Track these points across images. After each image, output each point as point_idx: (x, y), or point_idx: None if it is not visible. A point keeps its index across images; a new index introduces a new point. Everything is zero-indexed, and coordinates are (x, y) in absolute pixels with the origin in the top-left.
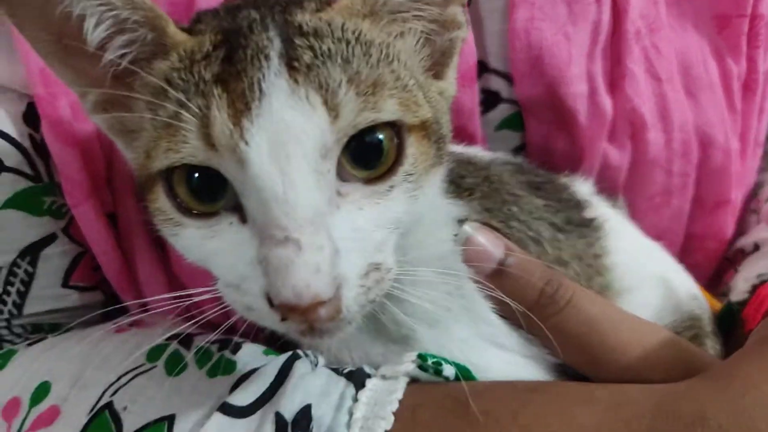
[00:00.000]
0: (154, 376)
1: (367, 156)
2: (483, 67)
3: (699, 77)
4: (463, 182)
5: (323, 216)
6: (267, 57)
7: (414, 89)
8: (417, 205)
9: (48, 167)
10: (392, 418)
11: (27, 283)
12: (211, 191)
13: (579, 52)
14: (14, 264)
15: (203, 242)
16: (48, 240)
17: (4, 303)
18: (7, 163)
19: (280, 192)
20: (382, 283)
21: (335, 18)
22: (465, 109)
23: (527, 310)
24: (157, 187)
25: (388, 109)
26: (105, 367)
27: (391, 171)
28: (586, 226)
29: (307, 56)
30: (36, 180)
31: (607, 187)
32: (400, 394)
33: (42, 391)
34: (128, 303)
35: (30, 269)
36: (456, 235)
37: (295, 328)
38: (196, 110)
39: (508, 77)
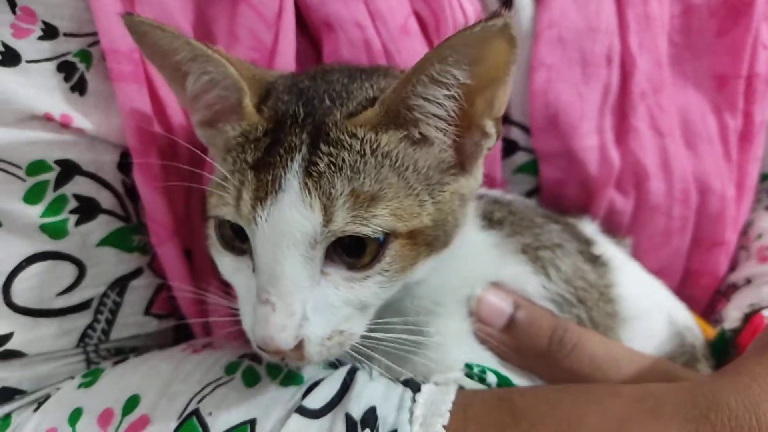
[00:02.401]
0: (234, 386)
1: (352, 249)
2: (505, 119)
3: (698, 132)
4: (493, 216)
5: (302, 289)
6: (292, 159)
7: (418, 196)
8: (390, 290)
9: (136, 209)
10: (448, 414)
11: (114, 312)
12: (243, 237)
13: (591, 109)
14: (104, 295)
15: (232, 271)
16: (135, 273)
17: (94, 330)
18: (104, 205)
19: (270, 266)
20: (343, 345)
21: (359, 129)
22: (489, 155)
23: (540, 357)
24: (210, 220)
25: (376, 223)
26: (189, 380)
27: (368, 265)
28: (594, 261)
29: (322, 164)
30: (127, 221)
31: (612, 228)
32: (452, 396)
33: (132, 402)
34: (192, 320)
35: (118, 299)
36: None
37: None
38: (236, 184)
39: (526, 129)
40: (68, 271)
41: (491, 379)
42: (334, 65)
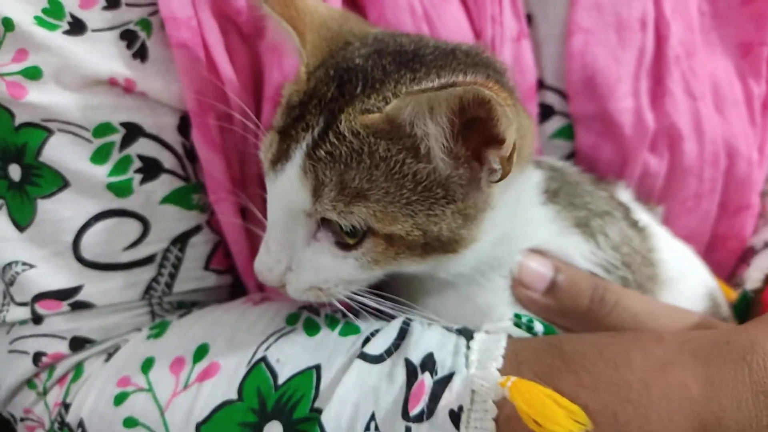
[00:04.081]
0: (297, 335)
1: (342, 229)
2: (540, 84)
3: (726, 96)
4: (549, 187)
5: (292, 245)
6: (304, 138)
7: (408, 206)
8: (372, 274)
9: (195, 170)
10: (501, 359)
11: (176, 266)
12: None
13: (626, 72)
14: (167, 250)
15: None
16: (195, 230)
17: (158, 283)
18: (166, 165)
19: (272, 218)
20: (320, 297)
21: (362, 129)
22: None
23: (582, 316)
24: None
25: (353, 219)
26: (253, 330)
27: (348, 247)
28: (635, 227)
29: (323, 151)
30: (187, 180)
31: (644, 194)
32: (504, 342)
33: (202, 350)
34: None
35: (179, 254)
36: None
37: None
38: (269, 139)
39: (561, 93)
40: (133, 228)
41: (538, 328)
42: (401, 41)
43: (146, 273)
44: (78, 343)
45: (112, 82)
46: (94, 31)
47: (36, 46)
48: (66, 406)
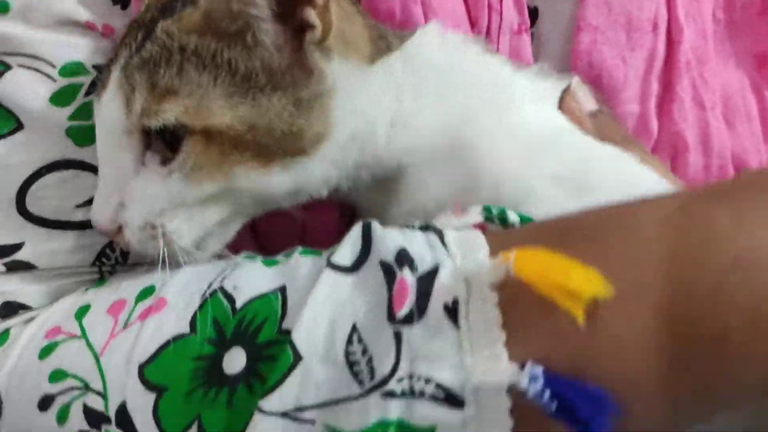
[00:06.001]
0: (255, 265)
1: (167, 141)
2: None
3: (737, 108)
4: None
5: (120, 177)
6: (122, 57)
7: (229, 97)
8: (199, 190)
9: None
10: (486, 246)
11: None
12: None
13: (634, 75)
14: None
15: None
16: None
17: (113, 250)
18: None
19: (100, 157)
20: (156, 240)
21: (176, 30)
22: None
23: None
24: None
25: (163, 118)
26: (206, 270)
27: (170, 159)
28: None
29: (136, 59)
30: None
31: None
32: (481, 233)
33: (147, 291)
34: None
35: None
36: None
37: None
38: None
39: None
40: (90, 183)
41: (513, 218)
42: None
43: (100, 236)
44: (10, 309)
45: (89, 26)
46: None
47: None
48: None
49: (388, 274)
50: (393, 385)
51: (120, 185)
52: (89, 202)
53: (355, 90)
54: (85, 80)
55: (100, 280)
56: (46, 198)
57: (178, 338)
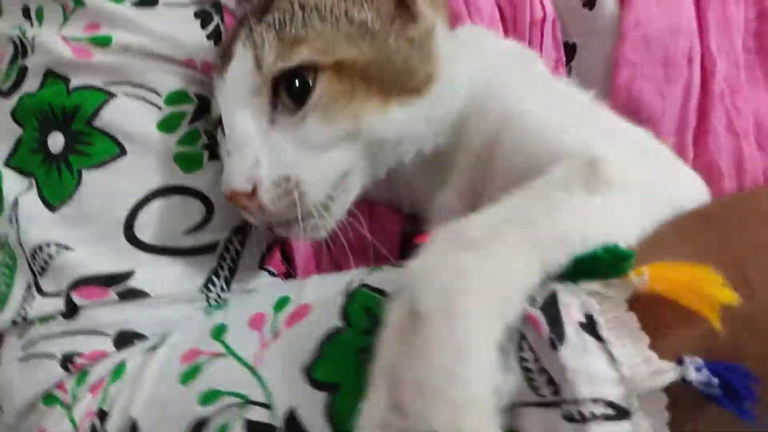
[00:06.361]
0: (388, 269)
1: (294, 92)
2: None
3: None
4: None
5: (253, 136)
6: (242, 31)
7: (349, 38)
8: (334, 128)
9: None
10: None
11: (235, 261)
12: None
13: (672, 108)
14: (229, 240)
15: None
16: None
17: (218, 276)
18: None
19: (227, 122)
20: (291, 194)
21: None
22: None
23: None
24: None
25: (299, 58)
26: (335, 278)
27: (303, 102)
28: None
29: (260, 26)
30: None
31: None
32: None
33: (283, 301)
34: None
35: (239, 248)
36: None
37: (256, 221)
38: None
39: None
40: (197, 209)
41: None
42: None
43: (208, 263)
44: (125, 339)
45: (186, 63)
46: (166, 5)
47: (109, 19)
48: (102, 415)
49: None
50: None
51: (252, 144)
52: (197, 228)
53: (447, 41)
54: (189, 108)
55: (216, 305)
56: (156, 224)
57: (334, 333)
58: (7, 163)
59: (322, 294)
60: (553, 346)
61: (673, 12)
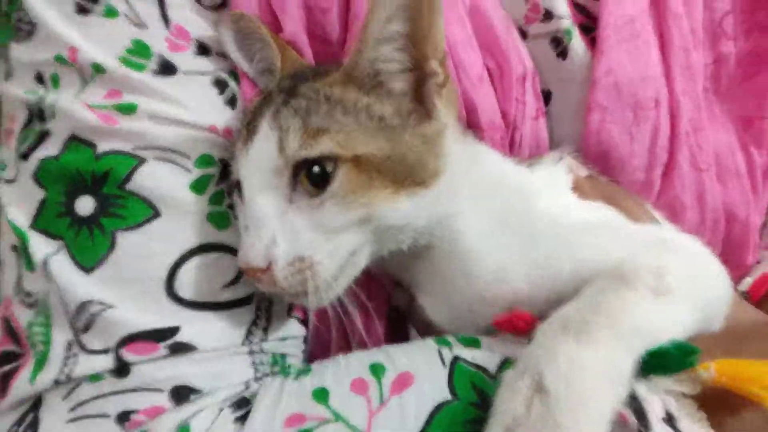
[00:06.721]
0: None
1: (314, 178)
2: None
3: (728, 166)
4: None
5: (271, 215)
6: (269, 109)
7: (368, 133)
8: (348, 215)
9: None
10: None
11: (268, 310)
12: None
13: (641, 148)
14: (261, 292)
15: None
16: None
17: (257, 326)
18: None
19: (247, 197)
20: (303, 273)
21: (321, 86)
22: None
23: None
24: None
25: (320, 149)
26: (422, 345)
27: (323, 188)
28: None
29: (286, 110)
30: None
31: None
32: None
33: (378, 368)
34: None
35: (270, 298)
36: None
37: (268, 291)
38: (239, 135)
39: None
40: (231, 264)
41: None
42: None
43: (246, 314)
44: (182, 394)
45: (212, 130)
46: (185, 73)
47: (130, 87)
48: None
49: None
50: None
51: (270, 224)
52: (233, 282)
53: (456, 140)
54: (215, 171)
55: (255, 374)
56: (196, 282)
57: (443, 405)
58: (32, 226)
59: (417, 362)
60: None
61: (642, 61)
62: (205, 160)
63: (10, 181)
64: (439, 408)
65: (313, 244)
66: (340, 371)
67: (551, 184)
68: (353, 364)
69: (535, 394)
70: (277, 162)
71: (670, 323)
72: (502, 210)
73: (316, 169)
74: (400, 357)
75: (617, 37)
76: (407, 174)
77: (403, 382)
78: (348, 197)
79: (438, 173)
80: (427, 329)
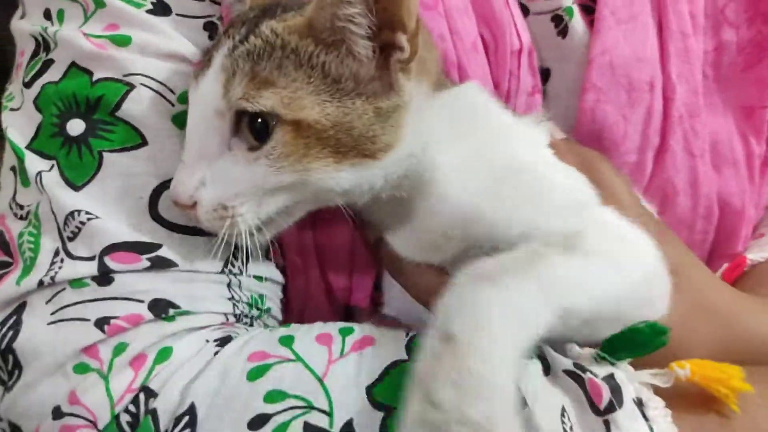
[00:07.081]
0: None
1: (258, 132)
2: None
3: (725, 155)
4: None
5: (206, 156)
6: (225, 44)
7: (318, 95)
8: (280, 178)
9: None
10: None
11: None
12: None
13: (634, 130)
14: None
15: None
16: None
17: (236, 258)
18: None
19: (187, 131)
20: (224, 220)
21: (281, 30)
22: None
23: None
24: None
25: (261, 105)
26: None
27: (259, 146)
28: None
29: (240, 50)
30: None
31: None
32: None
33: (348, 330)
34: None
35: None
36: None
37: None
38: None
39: None
40: None
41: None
42: None
43: (225, 247)
44: (160, 307)
45: (196, 65)
46: (178, 15)
47: (127, 20)
48: (149, 393)
49: (575, 377)
50: None
51: (204, 164)
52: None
53: (422, 110)
54: None
55: (234, 309)
56: (174, 207)
57: (397, 362)
58: (29, 146)
59: (382, 332)
60: (610, 410)
61: (638, 42)
62: (186, 97)
63: (14, 110)
64: (393, 365)
65: (239, 197)
66: (313, 328)
67: (532, 135)
68: (326, 326)
69: (444, 345)
70: (219, 104)
71: (585, 281)
72: (480, 148)
73: (258, 121)
74: (370, 328)
75: (615, 17)
76: (352, 145)
77: (365, 341)
78: (281, 160)
79: (391, 146)
80: (393, 262)
